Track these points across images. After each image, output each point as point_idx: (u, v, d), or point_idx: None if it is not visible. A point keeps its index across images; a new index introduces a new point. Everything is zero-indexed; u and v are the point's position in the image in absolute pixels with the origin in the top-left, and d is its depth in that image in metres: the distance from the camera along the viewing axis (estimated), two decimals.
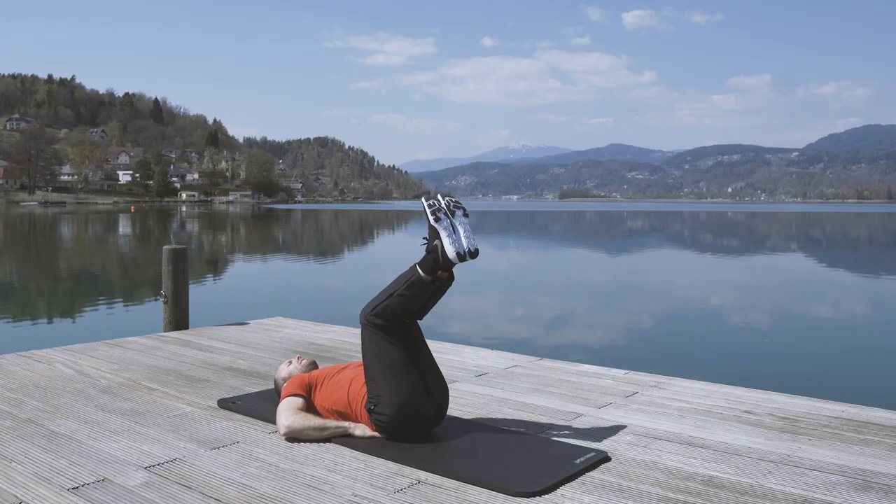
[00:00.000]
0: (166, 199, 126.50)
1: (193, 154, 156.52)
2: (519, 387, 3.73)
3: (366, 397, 2.79)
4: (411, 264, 2.75)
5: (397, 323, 2.75)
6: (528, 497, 2.27)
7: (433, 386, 2.80)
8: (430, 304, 2.81)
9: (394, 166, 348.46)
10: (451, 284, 2.78)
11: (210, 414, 3.17)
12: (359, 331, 5.56)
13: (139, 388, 3.62)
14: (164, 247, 5.56)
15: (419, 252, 2.74)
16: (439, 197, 2.76)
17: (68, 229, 39.21)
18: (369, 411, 2.75)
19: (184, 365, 4.15)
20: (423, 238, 2.72)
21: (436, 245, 2.65)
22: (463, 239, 2.66)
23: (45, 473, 2.41)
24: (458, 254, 2.62)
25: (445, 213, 2.69)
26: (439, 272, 2.70)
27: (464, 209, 2.73)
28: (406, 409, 2.70)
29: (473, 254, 2.67)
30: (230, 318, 5.78)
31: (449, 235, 2.64)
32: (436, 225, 2.66)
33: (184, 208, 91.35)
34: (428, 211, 2.69)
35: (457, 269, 2.71)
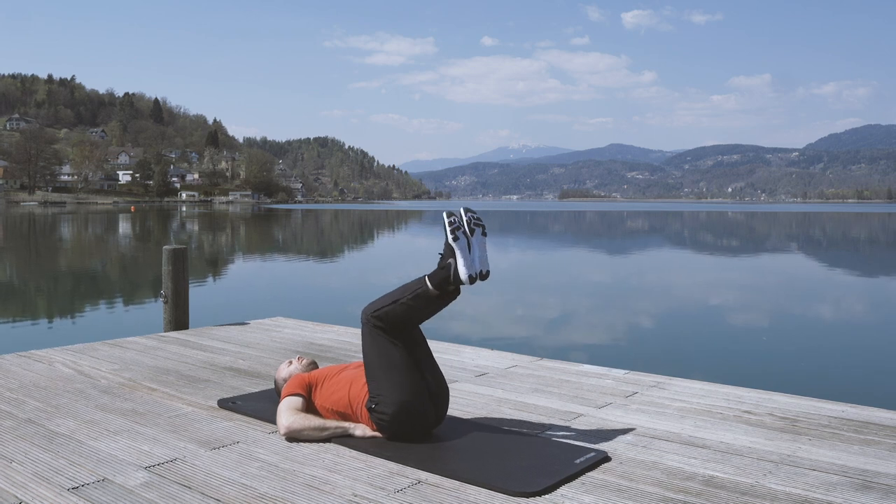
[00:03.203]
0: (166, 199, 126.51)
1: (193, 154, 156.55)
2: (519, 387, 3.73)
3: (367, 396, 2.80)
4: (420, 274, 2.73)
5: (398, 327, 2.75)
6: (528, 497, 2.27)
7: (434, 387, 2.80)
8: (431, 314, 2.80)
9: (394, 166, 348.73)
10: (455, 298, 2.77)
11: (210, 414, 3.17)
12: (358, 330, 5.56)
13: (139, 388, 3.62)
14: (164, 247, 5.57)
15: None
16: (461, 211, 2.72)
17: (68, 229, 39.21)
18: (370, 410, 2.75)
19: (184, 365, 4.16)
20: (439, 253, 2.70)
21: (449, 263, 2.64)
22: (477, 260, 2.65)
23: (45, 473, 2.41)
24: (470, 276, 2.61)
25: (464, 232, 2.66)
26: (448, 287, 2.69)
27: (483, 227, 2.71)
28: (407, 409, 2.70)
29: (485, 276, 2.67)
30: (230, 318, 5.78)
31: (464, 256, 2.62)
32: (453, 244, 2.64)
33: (184, 208, 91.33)
34: (448, 228, 2.65)
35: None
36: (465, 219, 2.70)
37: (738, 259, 23.72)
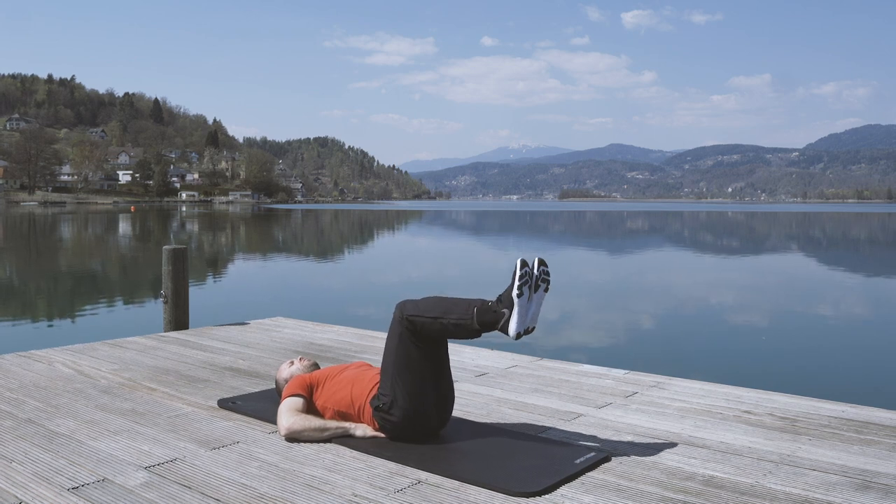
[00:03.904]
0: (166, 199, 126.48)
1: (193, 154, 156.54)
2: (519, 387, 3.73)
3: (371, 393, 2.80)
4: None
5: (426, 338, 2.73)
6: (528, 497, 2.27)
7: (444, 395, 2.81)
8: (462, 338, 2.76)
9: (394, 166, 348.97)
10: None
11: (210, 414, 3.17)
12: (358, 331, 5.56)
13: (139, 388, 3.62)
14: (164, 247, 5.57)
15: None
16: (535, 262, 2.62)
17: (68, 229, 39.21)
18: (376, 409, 2.75)
19: (184, 365, 4.16)
20: (499, 297, 2.62)
21: (503, 312, 2.57)
22: (530, 317, 2.58)
23: (45, 473, 2.41)
24: (517, 333, 2.56)
25: (530, 287, 2.58)
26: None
27: (548, 283, 2.62)
28: (413, 416, 2.71)
29: (530, 331, 2.61)
30: (230, 318, 5.78)
31: (520, 314, 2.55)
32: (515, 299, 2.56)
33: (184, 208, 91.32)
34: (517, 280, 2.56)
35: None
36: (535, 272, 2.60)
37: (738, 259, 23.72)
